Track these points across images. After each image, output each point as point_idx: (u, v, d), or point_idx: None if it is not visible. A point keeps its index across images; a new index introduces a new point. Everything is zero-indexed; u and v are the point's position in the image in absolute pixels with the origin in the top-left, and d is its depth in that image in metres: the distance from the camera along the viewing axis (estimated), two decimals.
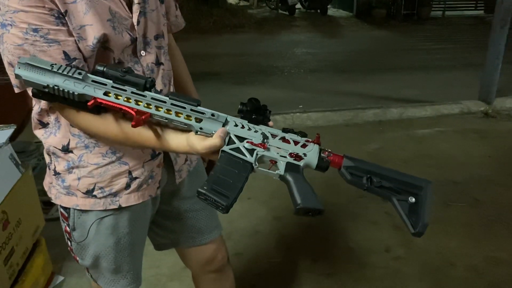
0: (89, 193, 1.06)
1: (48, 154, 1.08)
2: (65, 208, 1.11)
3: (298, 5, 12.86)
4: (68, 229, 1.13)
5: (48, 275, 2.05)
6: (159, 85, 1.08)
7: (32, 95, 0.89)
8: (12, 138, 1.89)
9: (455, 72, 6.09)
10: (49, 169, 1.10)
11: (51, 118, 1.02)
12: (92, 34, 0.91)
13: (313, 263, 2.25)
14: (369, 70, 6.40)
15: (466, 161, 3.35)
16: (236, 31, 9.99)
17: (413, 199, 0.98)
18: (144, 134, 0.95)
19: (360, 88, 5.36)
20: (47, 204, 2.30)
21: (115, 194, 1.08)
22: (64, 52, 0.89)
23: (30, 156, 2.62)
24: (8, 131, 1.88)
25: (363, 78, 5.95)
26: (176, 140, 0.95)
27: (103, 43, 0.94)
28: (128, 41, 0.99)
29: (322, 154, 1.00)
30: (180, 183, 1.24)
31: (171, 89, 1.17)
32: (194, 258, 1.41)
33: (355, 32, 10.05)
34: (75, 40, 0.91)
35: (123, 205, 1.10)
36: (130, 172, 1.07)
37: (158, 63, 1.08)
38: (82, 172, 1.04)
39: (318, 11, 12.65)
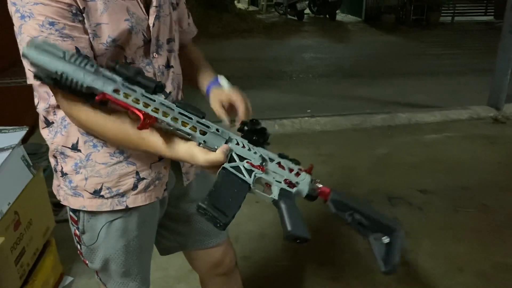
0: (96, 193, 1.07)
1: (54, 156, 1.08)
2: (74, 212, 1.11)
3: (307, 10, 12.89)
4: (77, 232, 1.14)
5: (57, 276, 2.07)
6: (168, 88, 1.09)
7: (34, 77, 0.86)
8: (23, 140, 1.92)
9: (464, 78, 6.06)
10: (56, 171, 1.10)
11: (57, 117, 1.03)
12: (107, 33, 0.93)
13: (320, 266, 2.25)
14: (377, 75, 6.39)
15: (475, 166, 3.34)
16: (245, 35, 10.02)
17: (388, 240, 1.01)
18: (146, 136, 0.95)
19: (368, 93, 5.35)
20: (57, 205, 2.31)
21: (122, 195, 1.08)
22: (77, 48, 0.91)
23: (41, 158, 2.65)
24: (20, 133, 1.90)
25: (371, 83, 5.94)
26: (177, 147, 0.95)
27: (117, 41, 0.96)
28: (142, 42, 1.01)
29: (312, 185, 1.02)
30: (188, 186, 1.24)
31: (180, 93, 1.18)
32: (201, 261, 1.41)
33: (364, 37, 10.04)
34: (88, 38, 0.92)
35: (130, 206, 1.10)
36: (137, 173, 1.08)
37: (168, 66, 1.10)
38: (90, 171, 1.05)
39: (327, 16, 12.67)
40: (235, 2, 14.63)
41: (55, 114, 1.03)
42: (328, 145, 3.74)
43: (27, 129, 1.94)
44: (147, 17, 1.01)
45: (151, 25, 1.02)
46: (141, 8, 1.00)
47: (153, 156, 1.09)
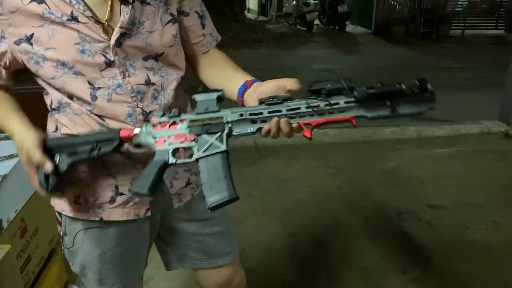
0: (75, 200, 1.08)
1: None
2: (59, 213, 1.15)
3: (316, 21, 12.93)
4: (61, 233, 1.17)
5: (62, 284, 2.06)
6: (149, 106, 1.03)
7: None
8: None
9: (474, 92, 6.02)
10: None
11: (59, 124, 1.07)
12: (56, 57, 0.94)
13: (328, 282, 2.22)
14: None
15: (486, 182, 3.29)
16: (254, 46, 10.07)
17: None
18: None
19: None
20: None
21: (99, 206, 1.08)
22: None
23: None
24: None
25: None
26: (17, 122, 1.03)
27: (68, 65, 0.95)
28: (102, 64, 0.97)
29: None
30: (182, 207, 1.19)
31: (162, 106, 1.06)
32: (208, 281, 1.38)
33: (373, 49, 10.03)
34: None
35: (105, 219, 1.09)
36: (116, 187, 1.07)
37: (148, 83, 1.03)
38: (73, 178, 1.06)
39: (336, 27, 12.70)
40: (245, 12, 14.75)
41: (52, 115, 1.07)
42: (337, 157, 3.72)
43: None
44: (106, 37, 0.96)
45: (111, 45, 0.96)
46: (97, 29, 0.95)
47: (136, 171, 1.06)
